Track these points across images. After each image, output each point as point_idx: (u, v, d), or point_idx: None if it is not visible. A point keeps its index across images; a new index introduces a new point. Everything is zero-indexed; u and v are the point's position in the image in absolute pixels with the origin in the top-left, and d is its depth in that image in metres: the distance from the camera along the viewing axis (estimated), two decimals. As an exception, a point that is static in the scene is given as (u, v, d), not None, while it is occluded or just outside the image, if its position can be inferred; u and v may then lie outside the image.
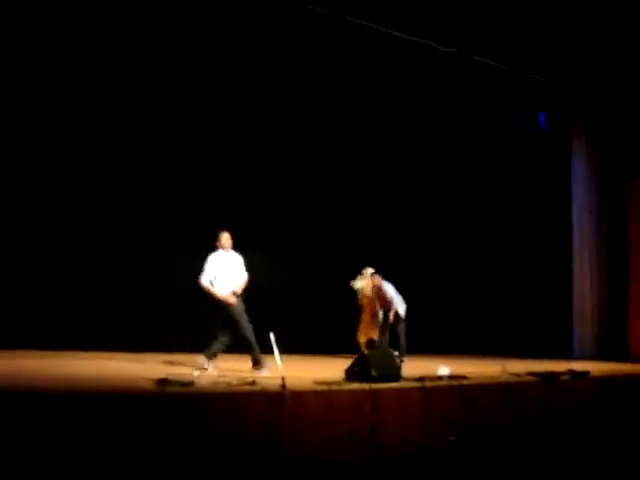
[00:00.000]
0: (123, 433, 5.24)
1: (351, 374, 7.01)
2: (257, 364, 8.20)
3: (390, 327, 11.59)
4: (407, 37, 11.31)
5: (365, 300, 11.44)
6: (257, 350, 8.25)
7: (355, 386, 6.69)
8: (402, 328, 11.69)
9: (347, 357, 8.60)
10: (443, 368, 7.93)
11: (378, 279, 11.48)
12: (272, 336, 8.70)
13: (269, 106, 12.58)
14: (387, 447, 6.63)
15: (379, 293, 11.48)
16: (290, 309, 13.04)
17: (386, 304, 11.50)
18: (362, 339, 11.14)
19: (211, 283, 8.42)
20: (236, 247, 8.73)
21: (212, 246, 8.64)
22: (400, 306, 11.58)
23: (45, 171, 11.03)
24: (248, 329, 8.32)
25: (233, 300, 8.32)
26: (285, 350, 9.36)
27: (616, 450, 7.71)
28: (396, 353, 9.49)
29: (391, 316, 11.50)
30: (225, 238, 8.61)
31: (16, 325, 10.33)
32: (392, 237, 14.36)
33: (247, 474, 5.75)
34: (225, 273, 8.48)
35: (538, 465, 7.09)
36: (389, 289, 11.58)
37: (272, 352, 7.34)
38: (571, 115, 14.35)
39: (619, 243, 13.60)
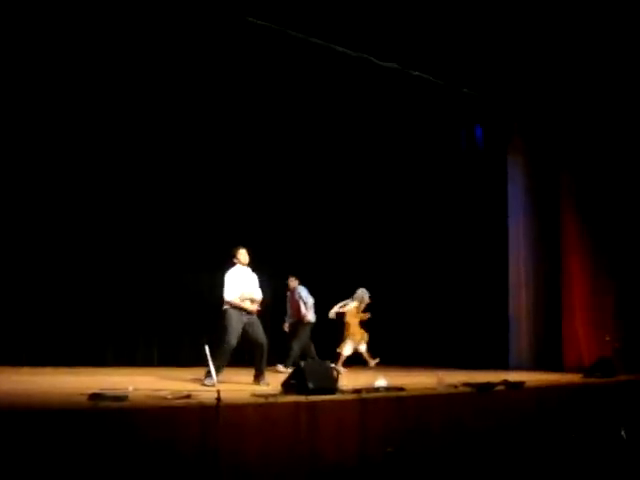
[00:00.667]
0: (55, 449, 5.11)
1: (288, 386, 7.00)
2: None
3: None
4: (347, 51, 11.36)
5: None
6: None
7: (292, 398, 6.66)
8: (304, 335, 11.59)
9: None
10: (380, 380, 7.96)
11: (294, 282, 11.50)
12: (207, 348, 8.65)
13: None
14: (324, 459, 6.61)
15: (293, 297, 11.48)
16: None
17: (298, 310, 11.47)
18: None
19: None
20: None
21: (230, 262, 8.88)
22: (310, 312, 11.50)
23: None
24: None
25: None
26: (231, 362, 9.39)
27: (551, 459, 7.84)
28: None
29: (285, 327, 11.46)
30: (243, 254, 8.85)
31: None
32: (332, 249, 14.46)
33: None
34: (248, 289, 8.74)
35: (474, 476, 7.17)
36: (303, 293, 11.53)
37: (207, 364, 7.29)
38: (507, 131, 14.65)
39: (553, 260, 13.89)
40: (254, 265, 9.04)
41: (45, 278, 11.10)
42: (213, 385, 7.35)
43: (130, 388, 6.72)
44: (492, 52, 11.98)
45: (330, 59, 11.53)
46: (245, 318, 8.66)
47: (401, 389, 7.73)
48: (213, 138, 12.97)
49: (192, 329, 12.25)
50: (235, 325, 8.55)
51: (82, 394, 6.14)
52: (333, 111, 13.78)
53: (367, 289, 12.45)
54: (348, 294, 12.43)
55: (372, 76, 12.30)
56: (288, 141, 13.89)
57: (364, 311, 12.36)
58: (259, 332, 8.70)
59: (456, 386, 8.35)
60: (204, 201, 12.82)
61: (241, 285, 8.70)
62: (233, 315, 8.60)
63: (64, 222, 11.34)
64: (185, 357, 11.82)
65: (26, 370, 9.77)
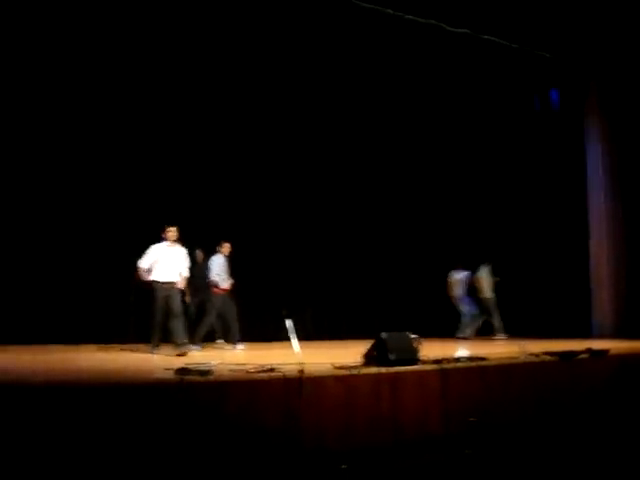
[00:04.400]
0: (144, 423, 5.29)
1: (369, 358, 7.02)
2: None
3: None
4: (417, 19, 11.19)
5: None
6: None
7: (373, 370, 6.69)
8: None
9: (365, 341, 8.58)
10: (461, 349, 7.92)
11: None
12: (289, 323, 8.75)
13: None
14: (407, 430, 6.64)
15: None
16: (307, 295, 13.03)
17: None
18: None
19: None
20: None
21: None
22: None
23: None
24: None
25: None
26: (303, 337, 9.51)
27: (636, 428, 7.68)
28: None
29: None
30: (171, 232, 9.39)
31: (33, 320, 10.43)
32: (409, 223, 14.37)
33: (267, 461, 5.77)
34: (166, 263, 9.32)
35: (557, 445, 7.07)
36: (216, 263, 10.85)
37: (289, 339, 7.36)
38: (584, 93, 14.22)
39: (634, 219, 13.50)
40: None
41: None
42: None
43: (214, 362, 6.85)
44: (567, 12, 11.61)
45: (400, 28, 11.36)
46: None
47: (483, 359, 7.67)
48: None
49: (269, 304, 12.36)
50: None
51: (167, 369, 6.29)
52: (404, 81, 13.60)
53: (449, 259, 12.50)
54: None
55: (442, 43, 12.10)
56: (364, 109, 13.74)
57: None
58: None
59: (538, 355, 8.22)
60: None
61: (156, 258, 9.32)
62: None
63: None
64: (264, 332, 11.92)
65: (93, 348, 10.00)
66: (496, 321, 13.31)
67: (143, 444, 5.23)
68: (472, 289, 13.78)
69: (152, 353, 8.95)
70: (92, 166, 11.25)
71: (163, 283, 9.20)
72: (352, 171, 13.89)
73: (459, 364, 7.36)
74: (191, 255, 9.95)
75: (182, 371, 6.01)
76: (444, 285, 13.95)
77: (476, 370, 7.35)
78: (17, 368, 6.96)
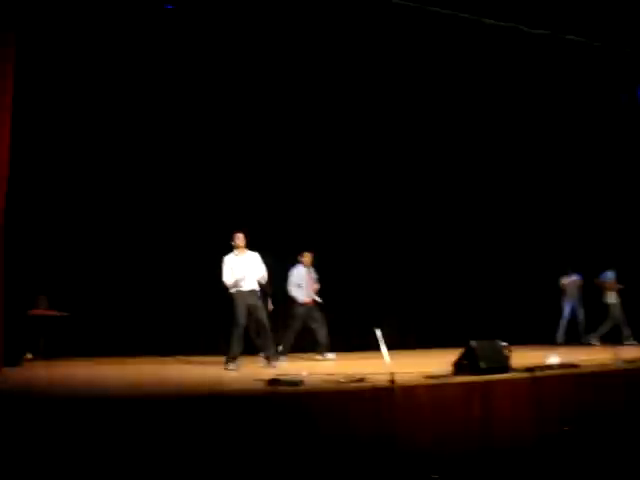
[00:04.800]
0: (237, 432, 5.41)
1: (460, 367, 6.98)
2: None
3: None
4: (497, 23, 11.07)
5: None
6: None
7: (464, 379, 6.67)
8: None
9: (453, 350, 8.53)
10: (552, 357, 7.79)
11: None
12: (378, 332, 8.80)
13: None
14: (499, 439, 6.57)
15: None
16: (394, 304, 13.03)
17: None
18: None
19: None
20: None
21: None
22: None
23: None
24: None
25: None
26: (391, 346, 9.50)
27: None
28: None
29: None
30: (240, 239, 9.17)
31: (120, 333, 10.66)
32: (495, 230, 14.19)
33: (361, 470, 5.81)
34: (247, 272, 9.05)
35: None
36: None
37: (379, 348, 7.39)
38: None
39: None
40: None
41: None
42: None
43: (304, 373, 6.95)
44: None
45: (478, 33, 11.27)
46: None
47: (575, 366, 7.52)
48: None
49: (358, 314, 12.41)
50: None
51: (257, 380, 6.43)
52: (485, 85, 13.48)
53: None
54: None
55: (522, 45, 11.93)
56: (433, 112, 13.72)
57: None
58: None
59: (635, 361, 8.00)
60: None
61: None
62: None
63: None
64: (353, 342, 11.94)
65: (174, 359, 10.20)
66: (624, 328, 13.00)
67: (238, 453, 5.35)
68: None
69: (228, 368, 8.55)
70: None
71: (245, 292, 8.96)
72: (444, 178, 13.85)
73: (551, 372, 7.24)
74: None
75: (273, 382, 6.12)
76: (533, 291, 13.74)
77: (569, 378, 7.21)
78: (124, 380, 7.24)
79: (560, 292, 13.74)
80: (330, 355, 10.35)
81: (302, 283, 10.48)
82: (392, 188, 13.28)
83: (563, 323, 13.50)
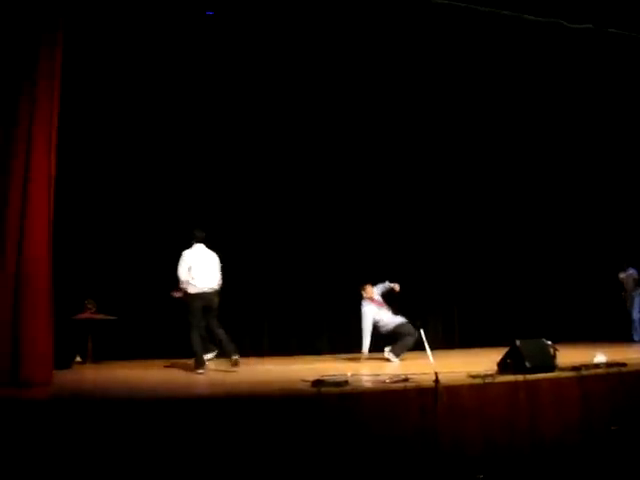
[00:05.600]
0: (285, 434, 5.48)
1: (504, 366, 6.95)
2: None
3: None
4: (538, 19, 10.98)
5: None
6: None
7: (509, 378, 6.64)
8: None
9: (498, 349, 8.50)
10: (599, 355, 7.70)
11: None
12: (422, 332, 8.83)
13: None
14: (546, 438, 6.54)
15: None
16: (438, 305, 13.00)
17: None
18: None
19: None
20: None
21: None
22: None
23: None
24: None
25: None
26: (435, 346, 9.53)
27: None
28: None
29: None
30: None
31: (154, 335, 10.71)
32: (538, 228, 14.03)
33: (406, 470, 5.83)
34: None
35: None
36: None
37: (424, 348, 7.41)
38: None
39: None
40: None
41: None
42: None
43: (349, 373, 6.99)
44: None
45: (520, 29, 11.20)
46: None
47: (623, 364, 7.42)
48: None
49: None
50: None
51: (304, 381, 6.46)
52: (525, 82, 13.36)
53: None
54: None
55: (564, 40, 11.81)
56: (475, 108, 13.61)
57: None
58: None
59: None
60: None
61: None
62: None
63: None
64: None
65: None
66: None
67: (286, 454, 5.42)
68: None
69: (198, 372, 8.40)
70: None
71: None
72: (491, 172, 13.71)
73: (598, 370, 7.17)
74: None
75: (318, 383, 6.17)
76: (576, 288, 13.59)
77: (616, 376, 7.13)
78: (172, 382, 7.35)
79: (620, 287, 13.52)
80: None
81: None
82: (435, 185, 13.20)
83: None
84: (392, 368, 8.22)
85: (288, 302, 11.77)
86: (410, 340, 9.46)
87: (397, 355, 9.45)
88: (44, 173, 6.99)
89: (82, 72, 10.08)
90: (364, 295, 9.97)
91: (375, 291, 10.04)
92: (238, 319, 11.28)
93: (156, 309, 10.65)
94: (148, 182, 11.13)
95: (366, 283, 10.13)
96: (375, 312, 9.78)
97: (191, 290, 8.62)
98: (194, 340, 8.51)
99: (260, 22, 11.20)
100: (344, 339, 11.18)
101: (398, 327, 9.63)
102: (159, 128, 11.21)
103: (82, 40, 9.51)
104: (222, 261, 9.18)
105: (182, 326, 9.77)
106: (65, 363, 8.67)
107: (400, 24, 11.40)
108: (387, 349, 9.66)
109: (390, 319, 9.74)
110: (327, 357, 10.66)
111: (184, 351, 10.20)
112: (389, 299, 10.50)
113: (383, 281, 10.26)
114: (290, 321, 11.74)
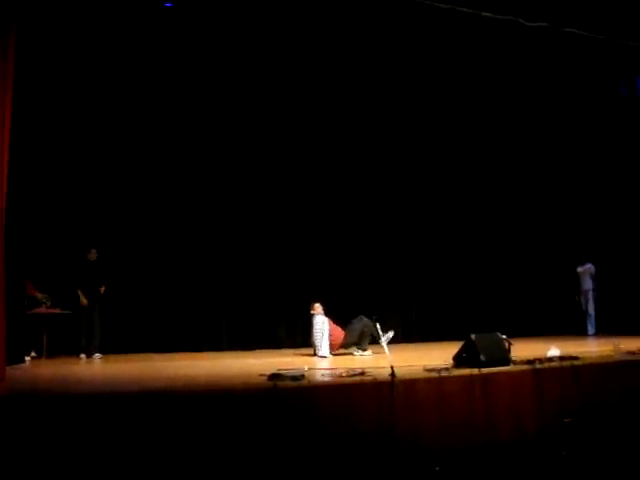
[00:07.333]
0: (241, 428, 5.45)
1: (460, 360, 7.01)
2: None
3: None
4: (495, 16, 11.07)
5: None
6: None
7: (465, 371, 6.69)
8: None
9: (453, 343, 8.56)
10: (552, 349, 7.80)
11: None
12: (378, 326, 8.84)
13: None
14: (500, 431, 6.60)
15: None
16: (394, 299, 13.04)
17: None
18: None
19: None
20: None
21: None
22: None
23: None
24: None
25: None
26: (391, 340, 9.56)
27: None
28: None
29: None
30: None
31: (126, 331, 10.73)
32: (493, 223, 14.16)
33: (362, 463, 5.84)
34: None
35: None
36: None
37: (379, 343, 7.43)
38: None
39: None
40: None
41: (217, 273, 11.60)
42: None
43: (306, 367, 6.98)
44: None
45: (477, 26, 11.28)
46: None
47: (576, 358, 7.53)
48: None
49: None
50: None
51: (261, 375, 6.44)
52: (482, 78, 13.49)
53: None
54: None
55: (520, 38, 11.93)
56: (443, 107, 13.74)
57: None
58: None
59: (635, 353, 8.01)
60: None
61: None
62: None
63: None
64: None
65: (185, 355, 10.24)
66: None
67: (240, 449, 5.39)
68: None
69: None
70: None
71: None
72: (444, 169, 13.81)
73: (552, 364, 7.26)
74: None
75: (275, 377, 6.15)
76: (531, 282, 13.80)
77: (570, 370, 7.22)
78: (128, 377, 7.26)
79: (577, 281, 13.80)
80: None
81: None
82: (395, 181, 13.25)
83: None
84: (349, 362, 8.22)
85: (247, 296, 11.74)
86: (368, 331, 9.51)
87: (365, 349, 9.51)
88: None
89: (39, 71, 9.99)
90: (314, 312, 9.94)
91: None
92: (197, 314, 11.28)
93: (114, 303, 10.57)
94: (109, 176, 11.10)
95: (316, 301, 10.12)
96: (326, 320, 9.78)
97: None
98: None
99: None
100: (304, 333, 11.16)
101: (359, 326, 9.65)
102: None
103: (38, 38, 9.45)
104: (182, 256, 9.25)
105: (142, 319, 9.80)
106: (19, 358, 8.54)
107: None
108: (357, 353, 9.71)
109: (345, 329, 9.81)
110: (287, 351, 10.65)
111: (143, 345, 10.21)
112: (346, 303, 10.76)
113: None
114: (249, 315, 11.71)
